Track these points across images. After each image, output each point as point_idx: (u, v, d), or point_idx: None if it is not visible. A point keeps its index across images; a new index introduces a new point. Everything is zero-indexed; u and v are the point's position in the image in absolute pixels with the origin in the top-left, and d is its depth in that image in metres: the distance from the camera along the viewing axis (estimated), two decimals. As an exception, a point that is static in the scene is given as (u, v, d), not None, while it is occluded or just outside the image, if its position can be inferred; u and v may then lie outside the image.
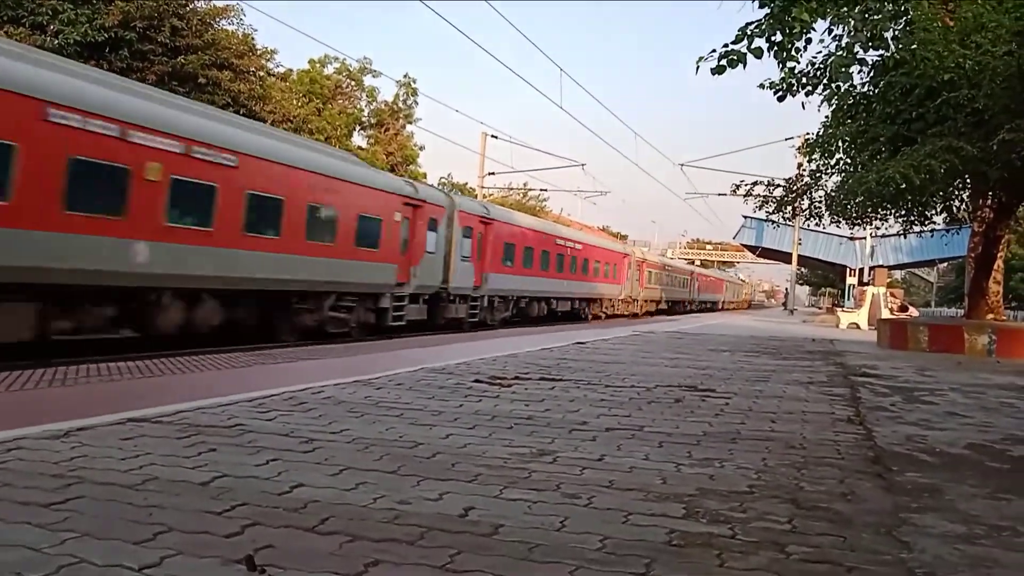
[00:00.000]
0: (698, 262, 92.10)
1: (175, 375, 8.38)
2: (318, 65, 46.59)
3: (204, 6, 29.70)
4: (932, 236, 29.68)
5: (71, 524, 2.91)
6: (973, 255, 21.09)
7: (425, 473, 4.00)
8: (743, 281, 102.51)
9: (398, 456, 4.36)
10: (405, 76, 50.84)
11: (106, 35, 25.00)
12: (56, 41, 23.88)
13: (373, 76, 49.07)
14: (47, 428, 4.51)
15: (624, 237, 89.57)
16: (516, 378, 8.28)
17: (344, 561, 2.71)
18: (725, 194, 27.68)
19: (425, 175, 52.32)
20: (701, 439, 5.38)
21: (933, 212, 20.75)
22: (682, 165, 56.94)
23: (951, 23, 14.26)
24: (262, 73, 34.31)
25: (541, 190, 61.86)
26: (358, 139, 49.31)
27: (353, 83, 48.82)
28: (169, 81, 26.89)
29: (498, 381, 7.93)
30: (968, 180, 16.91)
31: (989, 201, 19.17)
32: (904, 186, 13.75)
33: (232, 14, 30.79)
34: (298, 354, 11.34)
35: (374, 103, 49.99)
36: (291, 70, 44.11)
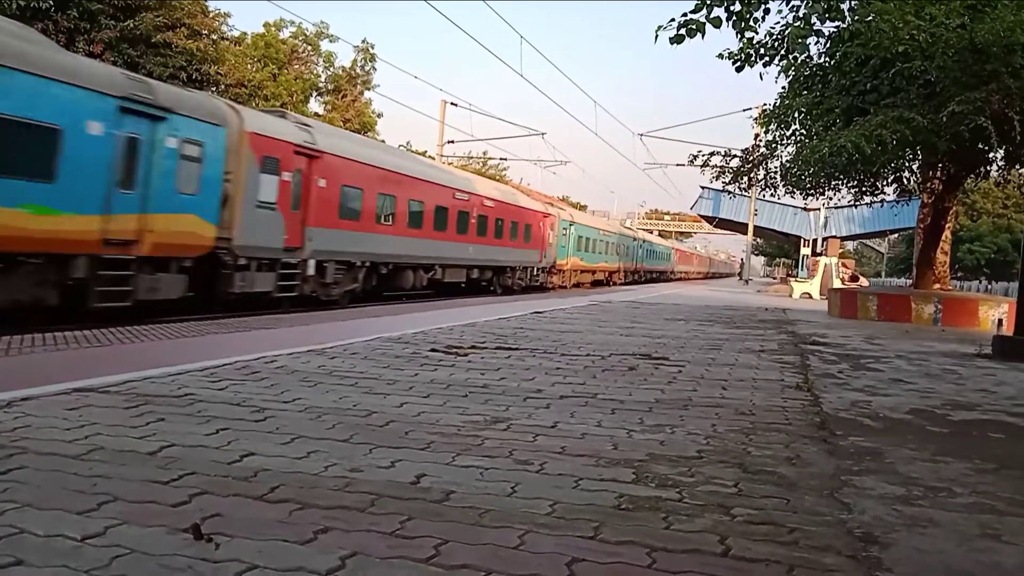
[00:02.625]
0: (656, 232, 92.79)
1: (124, 344, 8.23)
2: (273, 29, 45.52)
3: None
4: (883, 207, 30.22)
5: (12, 495, 2.85)
6: (922, 226, 21.59)
7: (378, 441, 4.00)
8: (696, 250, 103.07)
9: (351, 425, 4.35)
10: (363, 42, 49.91)
11: (50, -5, 24.11)
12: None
13: (331, 41, 48.14)
14: (-12, 398, 4.40)
15: (584, 207, 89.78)
16: (473, 347, 8.30)
17: (293, 529, 2.70)
18: (683, 164, 27.80)
19: (383, 143, 51.72)
20: (653, 406, 5.45)
21: (884, 183, 21.13)
22: (641, 135, 57.03)
23: (906, -5, 14.41)
24: (215, 36, 33.44)
25: (501, 159, 61.61)
26: (315, 105, 48.47)
27: (310, 48, 47.84)
28: (119, 44, 26.09)
29: (454, 350, 7.93)
30: (918, 151, 17.22)
31: (938, 173, 19.57)
32: (855, 156, 13.95)
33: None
34: (252, 323, 11.20)
35: (331, 69, 49.09)
36: (245, 34, 43.07)
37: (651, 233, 76.54)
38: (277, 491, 3.10)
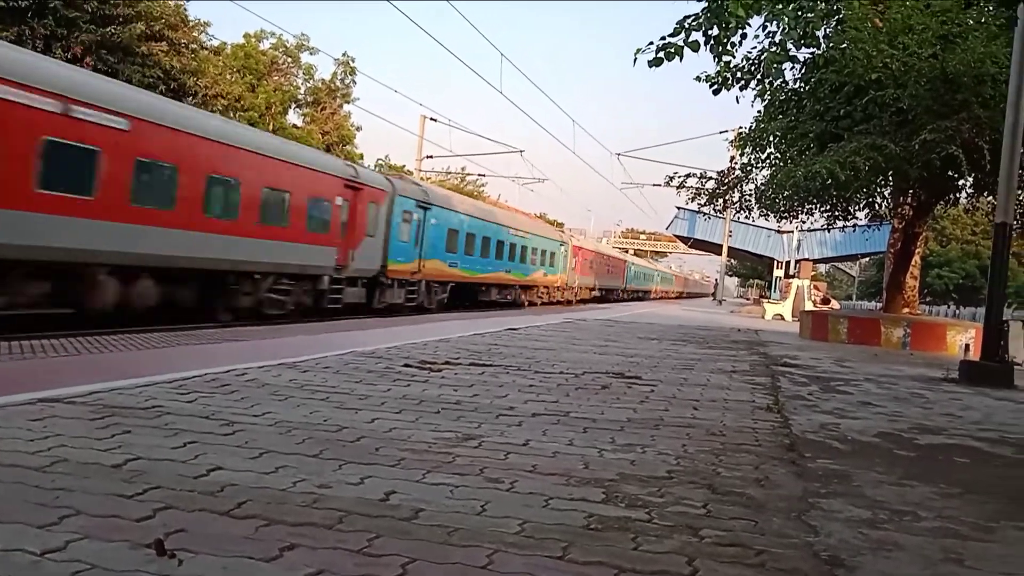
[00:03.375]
0: (632, 251, 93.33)
1: (93, 354, 8.12)
2: (253, 40, 45.40)
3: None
4: (855, 231, 30.63)
5: (-30, 507, 2.79)
6: (892, 251, 21.89)
7: (348, 457, 3.97)
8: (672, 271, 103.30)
9: (321, 440, 4.31)
10: (344, 54, 49.94)
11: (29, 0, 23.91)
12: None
13: (311, 53, 48.15)
14: (-50, 407, 4.32)
15: (560, 225, 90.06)
16: (446, 363, 8.27)
17: (259, 545, 2.67)
18: (659, 185, 27.97)
19: (362, 156, 51.65)
20: (625, 425, 5.46)
21: (856, 208, 21.44)
22: (619, 155, 57.55)
23: (881, 24, 14.71)
24: (195, 46, 33.29)
25: (479, 175, 61.69)
26: (293, 117, 48.35)
27: (290, 59, 47.77)
28: (97, 50, 25.89)
29: (428, 366, 7.91)
30: (890, 177, 17.51)
31: (909, 199, 19.90)
32: (829, 181, 14.17)
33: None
34: (224, 335, 11.09)
35: (311, 81, 49.03)
36: (225, 44, 42.92)
37: (626, 252, 77.02)
38: (244, 506, 3.06)
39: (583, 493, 3.64)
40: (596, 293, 50.91)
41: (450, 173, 60.37)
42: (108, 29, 26.14)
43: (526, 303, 35.91)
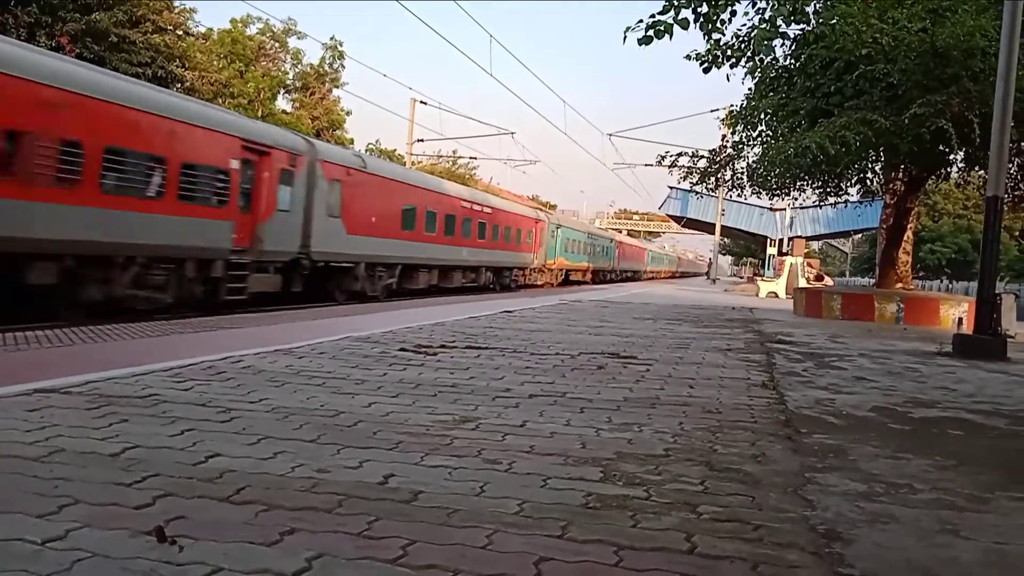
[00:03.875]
0: (625, 232, 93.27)
1: (86, 344, 8.09)
2: (240, 25, 45.03)
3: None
4: (847, 208, 30.64)
5: (-31, 499, 2.79)
6: (885, 226, 21.95)
7: (346, 441, 3.98)
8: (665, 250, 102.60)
9: (319, 425, 4.32)
10: (332, 39, 49.63)
11: (12, -12, 23.65)
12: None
13: (298, 38, 47.81)
14: (-55, 400, 4.31)
15: (553, 207, 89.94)
16: (442, 346, 8.28)
17: (258, 530, 2.68)
18: (652, 165, 27.94)
19: (352, 141, 51.42)
20: (621, 405, 5.48)
21: (848, 184, 21.47)
22: (610, 135, 57.45)
23: (870, -1, 14.66)
24: (181, 32, 32.99)
25: (471, 158, 61.52)
26: (282, 103, 48.04)
27: (277, 45, 47.42)
28: (83, 39, 25.64)
29: (423, 349, 7.91)
30: (881, 152, 17.52)
31: (900, 174, 19.93)
32: (820, 157, 14.17)
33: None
34: (219, 323, 11.08)
35: (299, 66, 48.71)
36: (211, 29, 42.56)
37: (620, 232, 76.97)
38: (243, 492, 3.07)
39: (581, 472, 3.66)
40: (586, 276, 48.99)
41: (441, 156, 60.15)
42: (93, 16, 25.89)
43: (497, 287, 32.90)
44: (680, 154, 21.11)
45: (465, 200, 29.45)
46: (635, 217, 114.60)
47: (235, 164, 15.24)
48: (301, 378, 5.81)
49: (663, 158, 21.05)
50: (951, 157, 18.02)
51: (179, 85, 29.73)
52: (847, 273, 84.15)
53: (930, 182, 22.12)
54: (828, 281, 36.56)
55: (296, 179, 17.29)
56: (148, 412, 4.38)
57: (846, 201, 24.30)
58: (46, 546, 2.44)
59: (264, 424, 4.26)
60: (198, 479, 3.21)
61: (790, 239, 38.88)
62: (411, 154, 43.27)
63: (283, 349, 7.34)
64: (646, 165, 46.47)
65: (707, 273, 65.46)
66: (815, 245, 72.03)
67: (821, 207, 33.80)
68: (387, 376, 6.14)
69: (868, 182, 21.55)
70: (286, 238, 17.09)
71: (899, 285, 20.69)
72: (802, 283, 28.90)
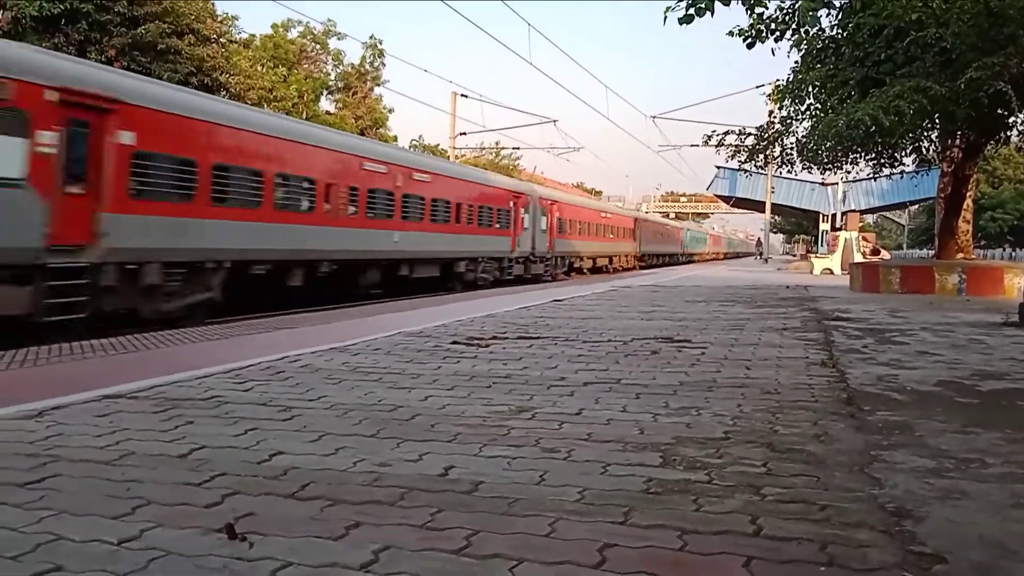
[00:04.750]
0: (673, 215, 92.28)
1: (150, 350, 8.32)
2: (281, 29, 45.66)
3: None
4: (902, 179, 29.74)
5: (48, 502, 2.90)
6: (943, 196, 21.31)
7: (405, 435, 4.02)
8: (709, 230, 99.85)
9: (377, 420, 4.37)
10: (371, 38, 49.96)
11: (62, 7, 24.30)
12: (12, 14, 23.22)
13: (338, 39, 48.28)
14: (21, 408, 4.47)
15: (598, 193, 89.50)
16: (494, 338, 8.31)
17: (325, 525, 2.72)
18: (697, 145, 27.49)
19: (396, 138, 51.80)
20: (678, 389, 5.44)
21: (903, 154, 20.88)
22: (654, 117, 56.70)
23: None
24: (224, 40, 33.58)
25: (514, 148, 61.35)
26: (325, 104, 48.62)
27: (318, 47, 47.97)
28: (130, 51, 26.28)
29: (476, 342, 7.95)
30: (936, 120, 16.99)
31: (957, 141, 19.31)
32: (873, 128, 13.79)
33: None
34: (275, 324, 11.28)
35: (340, 66, 49.21)
36: (254, 36, 43.23)
37: (667, 216, 76.18)
38: (307, 488, 3.12)
39: (640, 458, 3.64)
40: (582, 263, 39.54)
41: (484, 148, 60.16)
42: (138, 30, 26.50)
43: (458, 287, 23.58)
44: (727, 132, 20.75)
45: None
46: (682, 199, 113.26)
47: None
48: (357, 375, 5.89)
49: (709, 138, 20.72)
50: (1011, 120, 17.40)
51: (225, 92, 30.28)
52: (904, 246, 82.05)
53: (989, 147, 21.39)
54: (885, 255, 35.67)
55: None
56: (212, 413, 4.49)
57: (901, 172, 23.61)
58: (122, 546, 2.51)
59: (324, 421, 4.33)
60: (263, 477, 3.28)
61: (844, 214, 38.08)
62: (454, 148, 43.41)
63: (338, 347, 7.45)
64: (692, 146, 45.81)
65: (758, 252, 63.96)
66: (870, 218, 70.41)
67: (875, 179, 32.95)
68: (441, 369, 6.18)
69: (924, 151, 20.93)
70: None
71: (960, 255, 20.09)
72: (858, 258, 28.26)
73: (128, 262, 11.90)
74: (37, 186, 10.53)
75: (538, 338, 8.34)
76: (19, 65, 10.59)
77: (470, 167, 35.57)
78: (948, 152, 20.26)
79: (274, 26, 45.61)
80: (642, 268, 45.99)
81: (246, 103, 28.92)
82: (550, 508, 2.92)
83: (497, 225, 27.37)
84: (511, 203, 28.66)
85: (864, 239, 33.87)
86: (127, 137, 11.96)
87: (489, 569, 2.38)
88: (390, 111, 51.64)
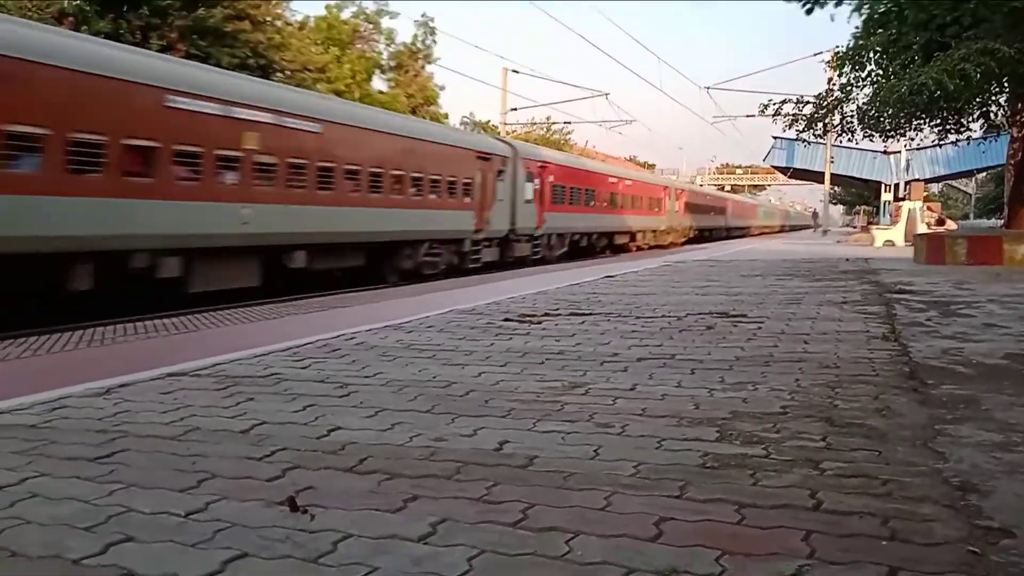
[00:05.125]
0: (728, 187, 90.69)
1: (210, 329, 8.53)
2: (335, 10, 45.98)
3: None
4: (969, 145, 28.76)
5: (118, 476, 3.00)
6: (1012, 162, 20.55)
7: (459, 411, 4.05)
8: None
9: (432, 396, 4.41)
10: (423, 15, 50.04)
11: (124, -7, 24.86)
12: (76, 2, 23.82)
13: (391, 18, 48.37)
14: (89, 386, 4.63)
15: (651, 166, 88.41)
16: (546, 314, 8.30)
17: (383, 498, 2.77)
18: (753, 115, 26.95)
19: (447, 115, 51.88)
20: (733, 364, 5.37)
21: (969, 119, 20.16)
22: (708, 88, 55.80)
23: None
24: (279, 23, 33.94)
25: (565, 123, 60.81)
26: (378, 83, 48.87)
27: (371, 26, 48.18)
28: (190, 35, 26.76)
29: (528, 318, 7.96)
30: (1005, 84, 16.34)
31: (1028, 105, 18.55)
32: (938, 93, 13.36)
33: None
34: (329, 303, 11.46)
35: (392, 45, 49.37)
36: (308, 17, 43.60)
37: (722, 189, 74.90)
38: (365, 463, 3.18)
39: (696, 433, 3.61)
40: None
41: (535, 124, 59.85)
42: (198, 13, 26.94)
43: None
44: (784, 101, 20.31)
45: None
46: (738, 171, 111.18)
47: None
48: (412, 351, 5.95)
49: (766, 107, 20.31)
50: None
51: (281, 74, 30.67)
52: (971, 215, 79.34)
53: (1062, 111, 20.48)
54: (951, 225, 34.61)
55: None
56: (271, 390, 4.59)
57: (968, 138, 22.80)
58: (189, 518, 2.59)
59: (380, 397, 4.39)
60: (323, 451, 3.34)
61: (907, 183, 36.95)
62: (505, 123, 43.29)
63: (393, 324, 7.53)
64: (748, 116, 44.93)
65: (816, 224, 62.17)
66: (934, 187, 68.17)
67: (940, 147, 31.83)
68: (494, 346, 6.21)
69: (992, 116, 20.16)
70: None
71: (1030, 224, 19.36)
72: (922, 229, 27.44)
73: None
74: None
75: (590, 314, 8.31)
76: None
77: (400, 116, 26.51)
78: (1018, 116, 19.50)
79: (328, 7, 45.95)
80: (682, 244, 41.15)
81: (299, 83, 29.25)
82: (605, 482, 2.92)
83: (451, 198, 19.75)
84: (478, 168, 20.84)
85: (929, 209, 32.89)
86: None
87: (545, 542, 2.39)
88: (441, 88, 51.70)
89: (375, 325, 7.48)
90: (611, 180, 32.48)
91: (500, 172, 21.86)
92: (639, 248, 34.49)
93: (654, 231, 37.38)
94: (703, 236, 47.73)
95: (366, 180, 16.44)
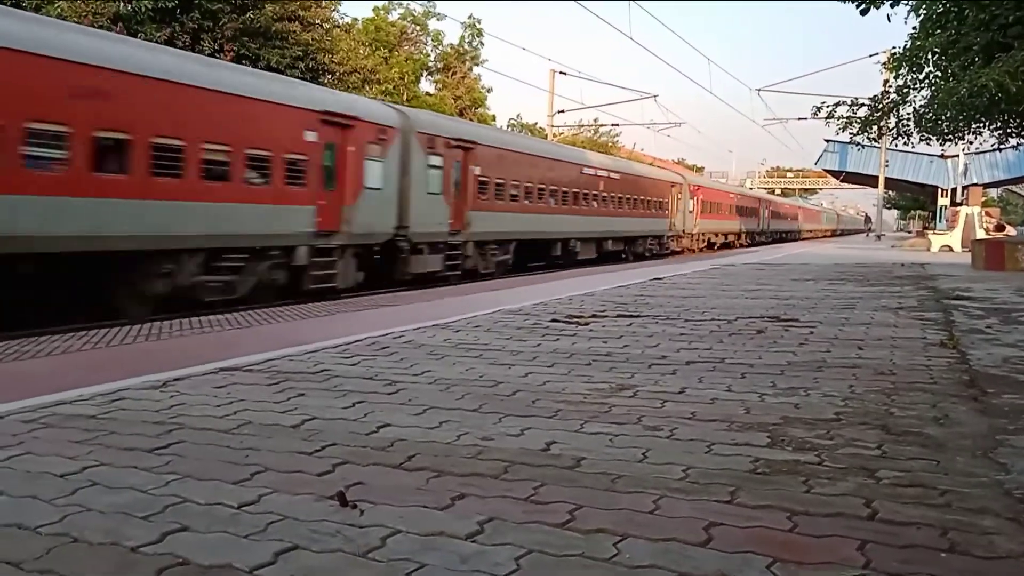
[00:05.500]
0: (779, 191, 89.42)
1: (262, 325, 8.67)
2: (383, 12, 46.43)
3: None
4: (1031, 149, 27.92)
5: (174, 467, 3.07)
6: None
7: (506, 410, 4.06)
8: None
9: (479, 395, 4.43)
10: (470, 17, 50.28)
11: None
12: (130, 7, 24.45)
13: (438, 20, 48.68)
14: (147, 379, 4.74)
15: (700, 169, 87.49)
16: (593, 316, 8.27)
17: (431, 495, 2.78)
18: (805, 118, 26.42)
19: (494, 117, 52.02)
20: (785, 369, 5.28)
21: (1032, 123, 19.52)
22: (759, 90, 55.02)
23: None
24: (328, 25, 34.38)
25: (613, 125, 60.41)
26: (425, 84, 49.22)
27: (418, 28, 48.54)
28: (240, 37, 27.26)
29: (575, 319, 7.93)
30: (1071, 86, 15.77)
31: (1095, 107, 17.90)
32: (999, 95, 12.96)
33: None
34: (378, 301, 11.57)
35: (440, 47, 49.67)
36: (356, 19, 44.09)
37: (772, 192, 73.90)
38: (414, 459, 3.19)
39: (747, 438, 3.56)
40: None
41: (583, 126, 59.59)
42: (248, 15, 27.44)
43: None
44: (838, 104, 19.90)
45: None
46: (788, 174, 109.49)
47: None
48: (459, 351, 5.98)
49: (819, 110, 19.91)
50: None
51: (328, 76, 31.06)
52: (1032, 221, 76.85)
53: None
54: (1010, 231, 33.60)
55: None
56: (322, 386, 4.64)
57: (1029, 142, 22.11)
58: (242, 510, 2.64)
59: (428, 395, 4.41)
60: (371, 447, 3.37)
61: (965, 188, 36.02)
62: (552, 126, 43.23)
63: (440, 324, 7.57)
64: (799, 119, 43.97)
65: (869, 229, 60.78)
66: (993, 192, 66.27)
67: (1000, 151, 30.89)
68: (541, 346, 6.20)
69: (1056, 119, 19.49)
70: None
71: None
72: (980, 234, 26.71)
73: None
74: None
75: (638, 316, 8.25)
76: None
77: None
78: (1084, 119, 18.82)
79: (376, 10, 46.41)
80: (701, 250, 37.46)
81: (348, 87, 29.60)
82: (654, 485, 2.90)
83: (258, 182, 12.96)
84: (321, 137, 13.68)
85: (987, 214, 32.01)
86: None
87: (593, 543, 2.38)
88: (488, 90, 51.83)
89: (423, 324, 7.53)
90: (585, 171, 25.74)
91: (374, 147, 15.25)
92: (637, 255, 29.29)
93: (657, 236, 31.95)
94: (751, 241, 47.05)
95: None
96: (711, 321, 7.87)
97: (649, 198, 30.55)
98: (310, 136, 13.54)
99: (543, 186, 22.30)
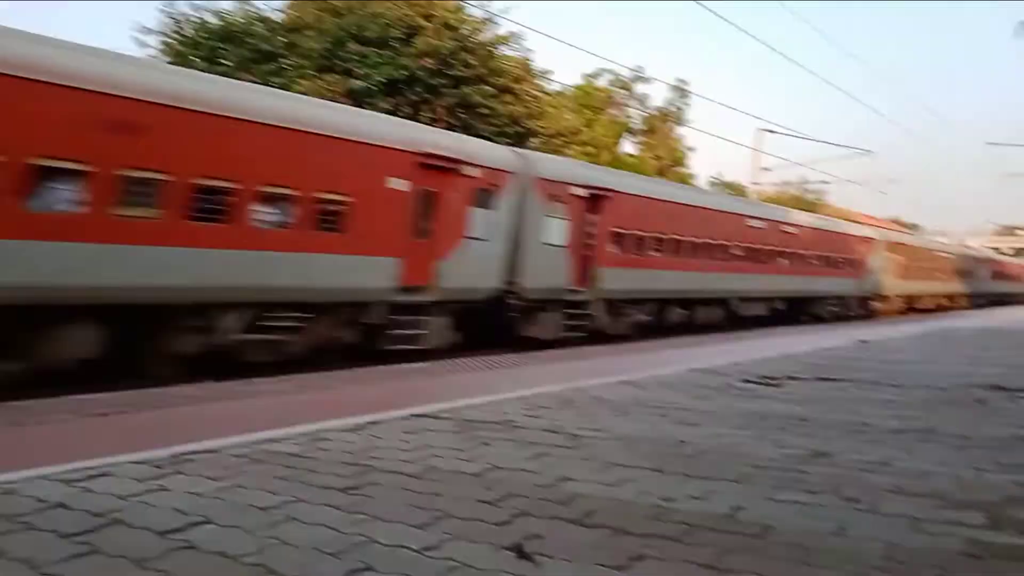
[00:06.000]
0: (1011, 250, 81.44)
1: (454, 375, 8.97)
2: (592, 79, 47.70)
3: (489, 36, 31.56)
4: None
5: (363, 507, 3.22)
6: None
7: (690, 471, 3.92)
8: None
9: (663, 454, 4.31)
10: (677, 79, 50.42)
11: (405, 73, 27.61)
12: (362, 83, 26.87)
13: (646, 83, 49.32)
14: (346, 422, 5.04)
15: (914, 227, 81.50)
16: (789, 378, 7.85)
17: (608, 553, 2.73)
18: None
19: (693, 176, 51.48)
20: (1011, 444, 4.73)
21: None
22: (992, 144, 50.71)
23: None
24: (538, 93, 35.72)
25: (822, 182, 57.33)
26: (627, 146, 49.81)
27: (625, 91, 49.36)
28: (456, 109, 29.20)
29: (769, 381, 7.57)
30: None
31: None
32: None
33: (512, 40, 32.48)
34: (565, 355, 11.64)
35: (646, 110, 50.15)
36: (567, 86, 45.47)
37: (998, 251, 67.37)
38: (593, 516, 3.15)
39: (960, 516, 3.21)
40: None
41: (789, 184, 57.14)
42: (463, 90, 29.26)
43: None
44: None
45: None
46: (1021, 233, 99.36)
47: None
48: (644, 408, 5.87)
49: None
50: None
51: (534, 139, 32.21)
52: None
53: None
54: None
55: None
56: (505, 436, 4.72)
57: None
58: (423, 553, 2.71)
59: (610, 451, 4.36)
60: (551, 500, 3.37)
61: None
62: (755, 183, 42.01)
63: (626, 380, 7.48)
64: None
65: None
66: None
67: None
68: (731, 407, 5.96)
69: None
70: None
71: None
72: None
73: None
74: None
75: (838, 380, 7.73)
76: None
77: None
78: None
79: (586, 77, 47.66)
80: (901, 313, 32.34)
81: (552, 150, 30.54)
82: (849, 561, 2.67)
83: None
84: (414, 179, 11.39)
85: None
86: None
87: (778, 619, 2.22)
88: (691, 149, 51.50)
89: (609, 379, 7.48)
90: (749, 222, 22.01)
91: (482, 194, 13.25)
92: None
93: (840, 297, 27.62)
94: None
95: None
96: (923, 388, 7.23)
97: (831, 254, 26.61)
98: (394, 183, 11.48)
99: (695, 239, 19.18)
